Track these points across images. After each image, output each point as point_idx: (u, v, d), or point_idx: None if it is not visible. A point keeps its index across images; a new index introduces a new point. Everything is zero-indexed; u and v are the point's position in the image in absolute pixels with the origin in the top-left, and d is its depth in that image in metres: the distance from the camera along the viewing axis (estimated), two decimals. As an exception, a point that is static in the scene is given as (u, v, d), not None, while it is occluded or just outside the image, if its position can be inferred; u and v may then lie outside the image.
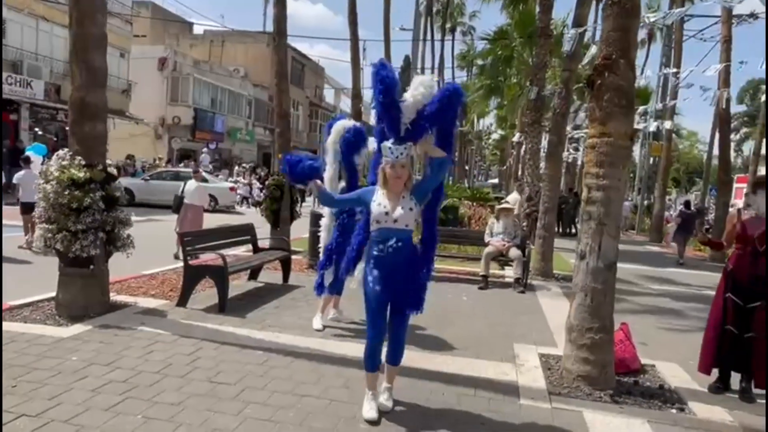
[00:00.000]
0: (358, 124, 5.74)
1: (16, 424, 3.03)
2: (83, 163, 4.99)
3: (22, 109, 19.98)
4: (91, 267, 5.15)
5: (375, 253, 3.40)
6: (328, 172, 5.32)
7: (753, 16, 16.54)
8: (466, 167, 52.93)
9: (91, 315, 5.07)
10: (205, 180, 11.11)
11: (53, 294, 5.40)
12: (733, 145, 46.91)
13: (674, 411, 3.87)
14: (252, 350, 4.50)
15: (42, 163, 8.79)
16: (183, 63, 31.12)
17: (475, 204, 18.25)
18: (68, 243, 4.91)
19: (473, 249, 9.66)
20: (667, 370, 4.70)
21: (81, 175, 4.90)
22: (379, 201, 3.35)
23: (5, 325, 4.71)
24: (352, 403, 3.60)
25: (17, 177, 9.54)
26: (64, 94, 20.74)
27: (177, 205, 9.33)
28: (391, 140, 3.39)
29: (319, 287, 5.20)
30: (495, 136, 57.00)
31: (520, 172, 20.27)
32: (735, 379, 4.33)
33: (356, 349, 4.47)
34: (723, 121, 15.72)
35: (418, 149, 3.49)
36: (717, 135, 18.02)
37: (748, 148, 43.32)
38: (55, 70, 20.99)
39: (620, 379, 4.30)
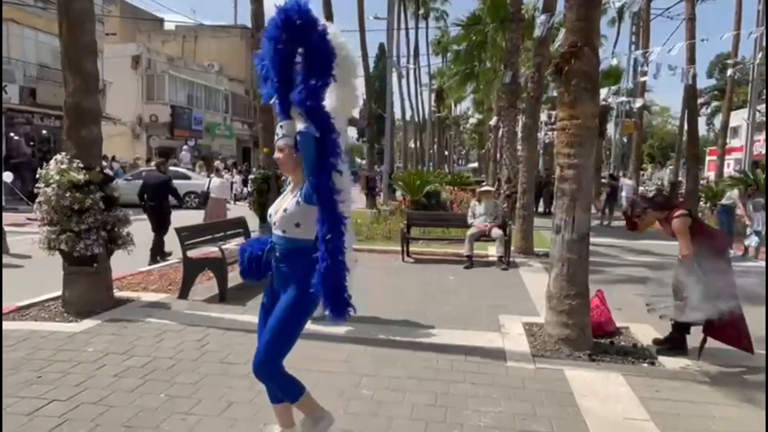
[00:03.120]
0: None
1: (49, 408, 3.27)
2: (81, 166, 5.17)
3: (-4, 114, 19.67)
4: (95, 265, 5.35)
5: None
6: None
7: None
8: (446, 152, 53.20)
9: (98, 311, 5.26)
10: (222, 176, 12.52)
11: (56, 293, 5.58)
12: (704, 118, 48.09)
13: (646, 365, 4.25)
14: (256, 334, 4.77)
15: None
16: (156, 60, 30.76)
17: (456, 188, 18.70)
18: (72, 243, 5.09)
19: (457, 231, 9.98)
20: (640, 331, 5.06)
21: (80, 177, 5.08)
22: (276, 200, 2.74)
23: (17, 324, 4.92)
24: (352, 374, 3.91)
25: None
26: (40, 98, 20.49)
27: (204, 200, 10.99)
28: None
29: None
30: (473, 120, 57.36)
31: (498, 155, 20.65)
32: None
33: (352, 329, 4.81)
34: (690, 97, 16.25)
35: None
36: (686, 111, 18.56)
37: (719, 121, 44.41)
38: (28, 73, 20.66)
39: (597, 340, 4.66)
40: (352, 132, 41.41)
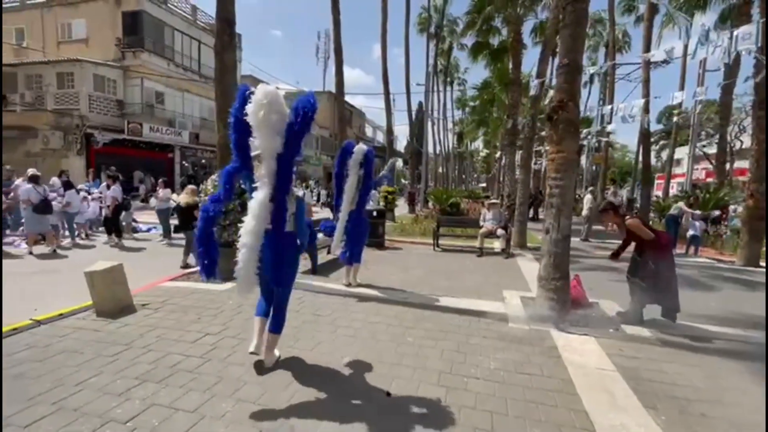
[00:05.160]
0: (367, 147, 5.20)
1: (204, 339, 3.41)
2: (227, 182, 5.39)
3: (176, 150, 20.94)
4: (233, 247, 5.54)
5: None
6: (351, 180, 4.95)
7: (665, 62, 15.83)
8: (463, 176, 52.23)
9: (235, 277, 5.43)
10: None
11: (210, 265, 5.85)
12: (654, 152, 44.99)
13: (612, 331, 3.96)
14: (336, 296, 4.79)
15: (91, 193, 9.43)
16: (273, 114, 31.75)
17: (470, 200, 18.31)
18: (220, 233, 5.32)
19: (472, 230, 9.74)
20: (607, 306, 4.75)
21: (227, 190, 5.31)
22: None
23: (185, 283, 5.16)
24: (400, 326, 3.84)
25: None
26: (201, 139, 21.66)
27: None
28: None
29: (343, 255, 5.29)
30: (482, 153, 55.97)
31: (501, 178, 20.04)
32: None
33: (401, 296, 4.75)
34: (645, 137, 15.16)
35: None
36: (641, 147, 17.38)
37: (665, 155, 41.59)
38: (194, 124, 21.86)
39: (575, 311, 4.40)
40: (399, 161, 41.35)
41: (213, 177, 5.47)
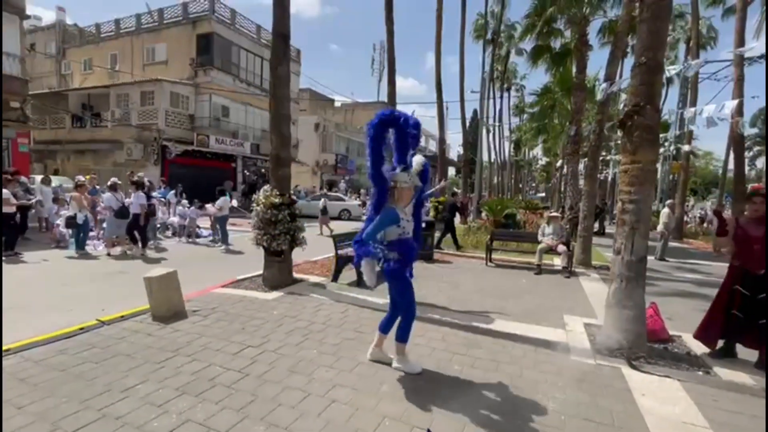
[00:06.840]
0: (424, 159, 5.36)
1: (244, 352, 3.39)
2: (278, 193, 5.50)
3: (238, 159, 22.35)
4: (282, 256, 5.62)
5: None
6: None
7: (762, 57, 13.81)
8: (520, 185, 50.00)
9: (282, 286, 5.49)
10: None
11: (260, 272, 5.96)
12: (747, 160, 39.70)
13: (700, 373, 3.35)
14: (381, 312, 4.55)
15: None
16: (328, 125, 32.92)
17: (527, 212, 17.30)
18: (270, 241, 5.41)
19: (528, 245, 9.10)
20: (691, 341, 4.04)
21: (277, 201, 5.40)
22: (403, 215, 2.99)
23: (235, 290, 5.29)
24: (447, 351, 3.57)
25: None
26: (261, 150, 22.89)
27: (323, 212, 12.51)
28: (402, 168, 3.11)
29: None
30: (541, 162, 53.18)
31: (562, 189, 18.75)
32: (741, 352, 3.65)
33: (444, 313, 4.45)
34: (737, 143, 13.27)
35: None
36: (732, 154, 15.29)
37: (761, 162, 36.67)
38: (255, 135, 23.22)
39: (652, 345, 3.83)
40: (452, 170, 40.65)
41: (265, 188, 5.61)
